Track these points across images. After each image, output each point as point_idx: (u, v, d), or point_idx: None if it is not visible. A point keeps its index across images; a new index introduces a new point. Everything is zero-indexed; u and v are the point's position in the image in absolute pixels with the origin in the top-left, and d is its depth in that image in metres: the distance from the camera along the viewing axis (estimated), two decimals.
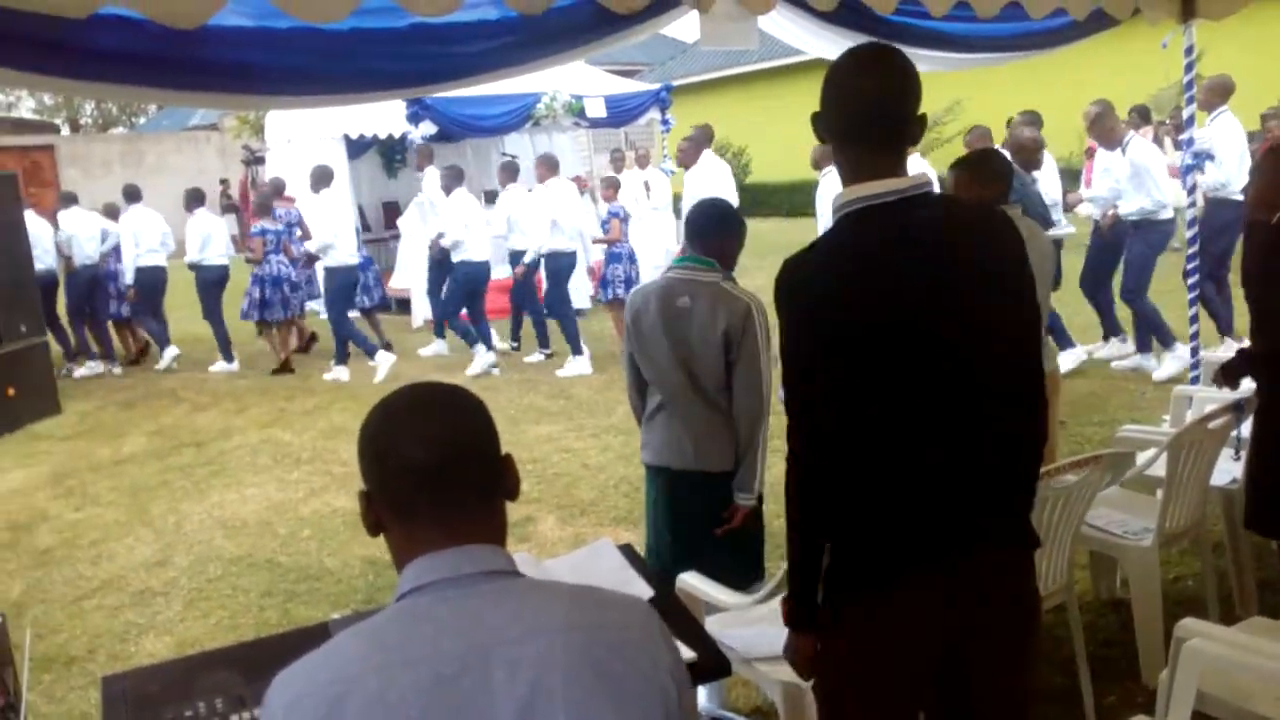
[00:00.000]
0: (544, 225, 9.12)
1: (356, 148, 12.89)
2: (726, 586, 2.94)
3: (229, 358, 10.02)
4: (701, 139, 9.80)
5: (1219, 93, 7.91)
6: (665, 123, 13.32)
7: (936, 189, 1.90)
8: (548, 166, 9.65)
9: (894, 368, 1.76)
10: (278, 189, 10.51)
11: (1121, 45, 9.93)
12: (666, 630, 1.28)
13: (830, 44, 4.43)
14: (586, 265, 11.83)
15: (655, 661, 1.22)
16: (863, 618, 1.84)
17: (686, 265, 3.17)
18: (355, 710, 1.11)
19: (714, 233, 3.18)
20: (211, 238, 9.90)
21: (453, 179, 9.21)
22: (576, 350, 8.96)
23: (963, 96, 19.20)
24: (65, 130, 34.53)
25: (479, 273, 9.15)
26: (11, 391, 8.16)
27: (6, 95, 36.31)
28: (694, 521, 3.18)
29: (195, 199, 10.16)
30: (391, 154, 14.54)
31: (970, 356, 1.78)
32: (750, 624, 2.83)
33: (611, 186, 9.99)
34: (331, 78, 3.26)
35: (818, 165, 8.16)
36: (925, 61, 4.98)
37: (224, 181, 14.22)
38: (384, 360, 9.16)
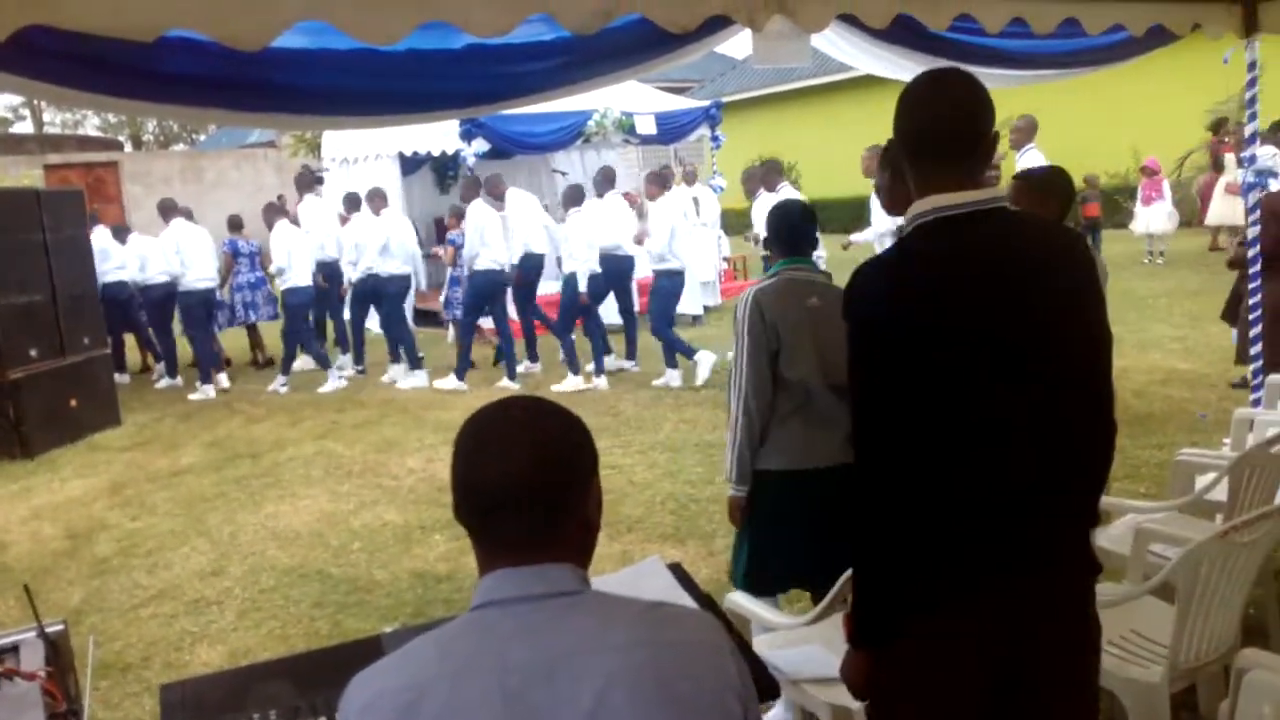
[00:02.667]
0: (586, 245, 9.12)
1: (410, 165, 13.11)
2: None
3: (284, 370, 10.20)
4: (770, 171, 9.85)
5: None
6: (715, 139, 13.35)
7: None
8: (607, 180, 9.72)
9: (955, 381, 1.74)
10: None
11: (1180, 58, 9.77)
12: (735, 649, 1.27)
13: (882, 61, 4.42)
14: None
15: (722, 680, 1.22)
16: (920, 637, 1.81)
17: (796, 266, 3.25)
18: (428, 715, 1.13)
19: (806, 235, 3.32)
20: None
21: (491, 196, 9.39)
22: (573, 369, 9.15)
23: (1013, 112, 18.96)
24: (128, 147, 35.45)
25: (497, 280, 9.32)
26: (74, 403, 8.37)
27: (73, 113, 37.38)
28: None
29: (234, 225, 10.58)
30: (444, 170, 14.74)
31: (1034, 372, 1.76)
32: (798, 645, 2.81)
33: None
34: (389, 98, 3.32)
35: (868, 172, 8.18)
36: (979, 78, 4.94)
37: (280, 198, 14.47)
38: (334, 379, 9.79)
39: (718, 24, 3.46)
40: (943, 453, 1.76)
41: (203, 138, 40.22)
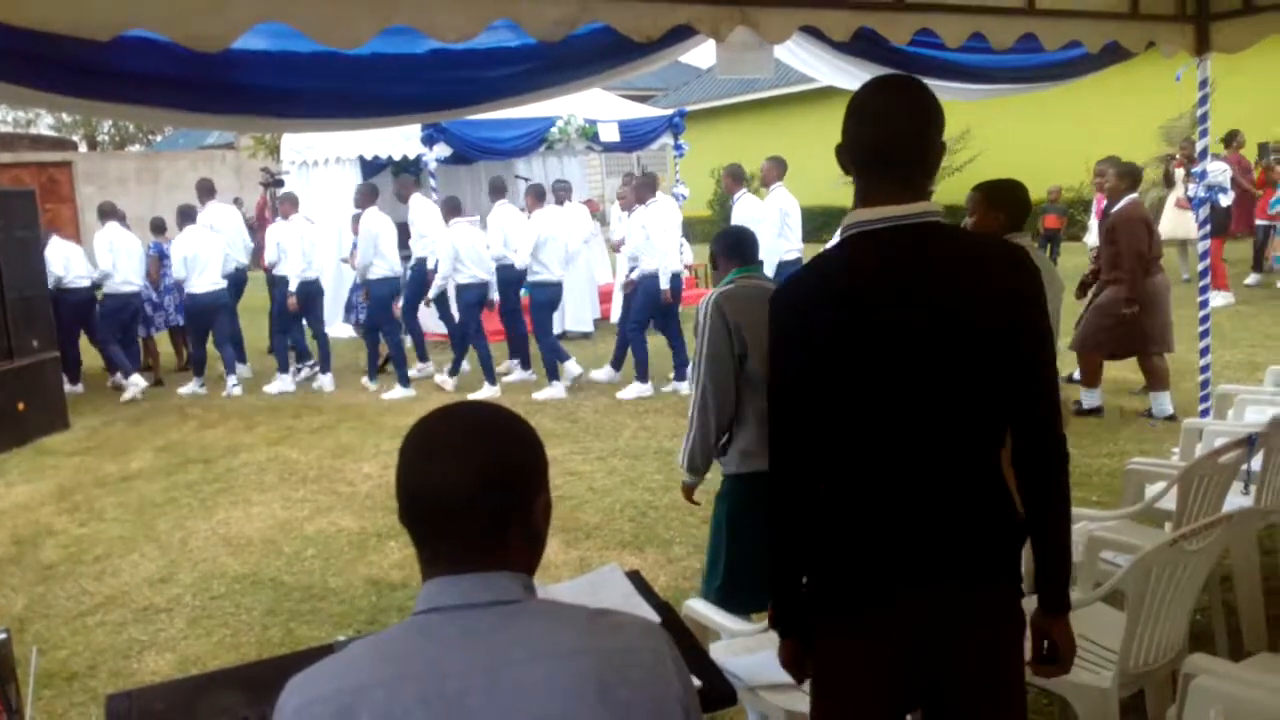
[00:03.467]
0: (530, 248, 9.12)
1: (371, 169, 12.99)
2: None
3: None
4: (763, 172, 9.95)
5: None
6: (678, 148, 13.40)
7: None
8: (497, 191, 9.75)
9: (863, 391, 1.77)
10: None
11: (1135, 75, 9.97)
12: (679, 658, 1.27)
13: (844, 73, 4.46)
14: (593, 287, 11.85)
15: (664, 688, 1.22)
16: (839, 637, 1.86)
17: (749, 275, 3.35)
18: (363, 719, 1.12)
19: (755, 246, 3.45)
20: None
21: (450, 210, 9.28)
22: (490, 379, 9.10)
23: (972, 125, 19.25)
24: (83, 147, 34.83)
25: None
26: (22, 406, 8.19)
27: (25, 112, 36.66)
28: None
29: (156, 228, 10.44)
30: (406, 175, 14.63)
31: (945, 387, 1.76)
32: (755, 651, 2.82)
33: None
34: (351, 101, 3.29)
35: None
36: (939, 91, 5.00)
37: (237, 201, 14.31)
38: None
39: (682, 34, 3.48)
40: (841, 459, 1.81)
41: (159, 139, 39.65)
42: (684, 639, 2.28)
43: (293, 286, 9.53)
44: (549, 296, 9.05)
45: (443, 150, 11.23)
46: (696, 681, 1.97)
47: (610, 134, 12.68)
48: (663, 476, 6.31)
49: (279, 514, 6.11)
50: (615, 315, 11.92)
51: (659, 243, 8.76)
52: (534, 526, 1.29)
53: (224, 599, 4.87)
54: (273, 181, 12.61)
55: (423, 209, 10.05)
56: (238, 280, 10.48)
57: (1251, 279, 12.17)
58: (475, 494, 1.22)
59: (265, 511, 6.17)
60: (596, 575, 2.56)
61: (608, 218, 13.13)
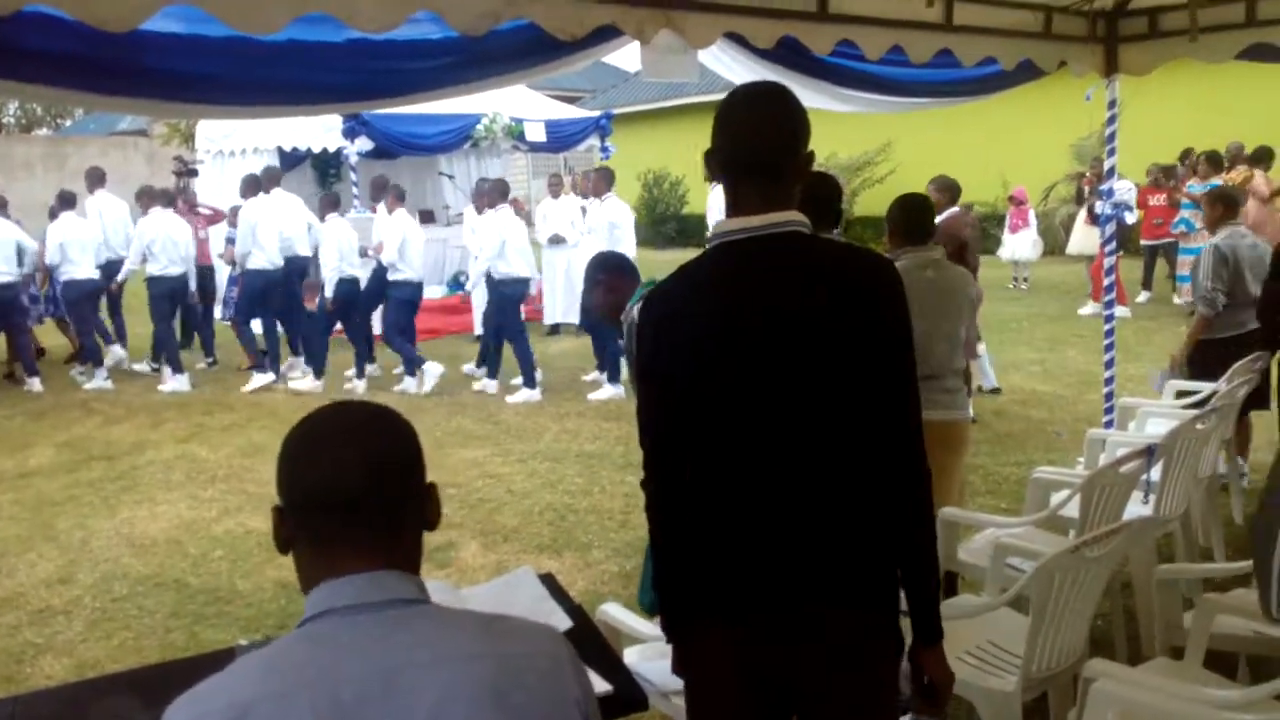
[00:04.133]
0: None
1: (290, 160, 12.72)
2: None
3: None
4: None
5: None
6: (605, 150, 13.40)
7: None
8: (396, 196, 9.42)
9: (721, 403, 1.75)
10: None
11: (1047, 94, 10.28)
12: (578, 661, 1.27)
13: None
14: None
15: (560, 692, 1.21)
16: (698, 641, 1.86)
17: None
18: None
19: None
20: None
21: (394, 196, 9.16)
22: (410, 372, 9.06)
23: (893, 138, 19.63)
24: None
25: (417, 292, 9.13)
26: None
27: None
28: None
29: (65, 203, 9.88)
30: (326, 168, 14.36)
31: (803, 399, 1.73)
32: (668, 656, 2.82)
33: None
34: (265, 89, 3.20)
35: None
36: (858, 103, 5.10)
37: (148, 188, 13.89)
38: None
39: (606, 34, 3.47)
40: (712, 473, 1.80)
41: (68, 123, 38.28)
42: (597, 643, 2.26)
43: (329, 290, 8.95)
44: (409, 295, 8.95)
45: (364, 144, 11.06)
46: (607, 685, 1.96)
47: (537, 133, 12.63)
48: (583, 480, 6.29)
49: (185, 514, 5.93)
50: (548, 316, 11.87)
51: (516, 247, 8.72)
52: (423, 522, 1.29)
53: (126, 601, 4.70)
54: (185, 171, 12.26)
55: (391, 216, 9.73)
56: (109, 272, 9.91)
57: (1142, 297, 12.57)
58: (369, 487, 1.21)
59: (171, 511, 5.98)
60: (510, 578, 2.53)
61: (533, 218, 13.06)
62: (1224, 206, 5.44)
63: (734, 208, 1.81)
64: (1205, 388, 5.09)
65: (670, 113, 25.64)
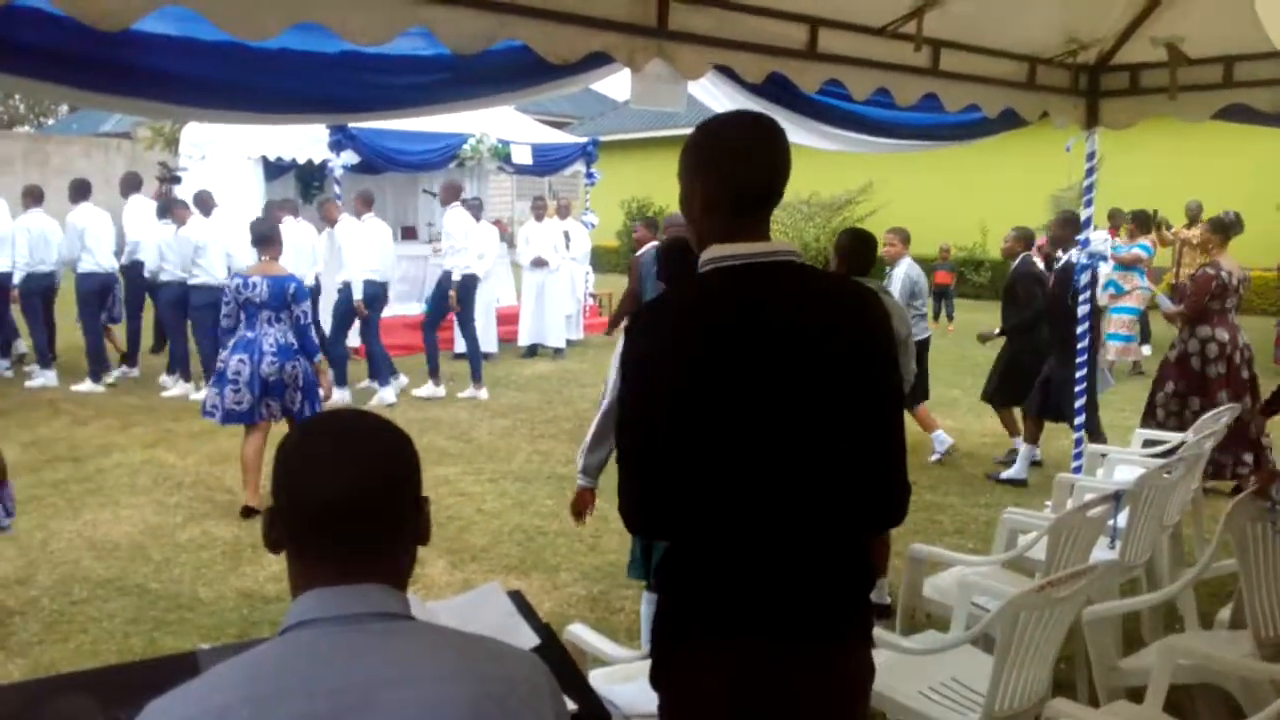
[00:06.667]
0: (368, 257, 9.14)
1: (274, 170, 12.67)
2: None
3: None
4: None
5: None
6: (590, 176, 13.46)
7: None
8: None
9: (719, 428, 1.74)
10: None
11: (1029, 144, 10.44)
12: (556, 689, 1.26)
13: None
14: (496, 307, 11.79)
15: (540, 719, 1.20)
16: (679, 673, 1.83)
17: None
18: None
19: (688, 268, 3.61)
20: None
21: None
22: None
23: (875, 178, 19.84)
24: None
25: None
26: None
27: None
28: None
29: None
30: (309, 180, 14.32)
31: (799, 423, 1.74)
32: (634, 679, 2.81)
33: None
34: (253, 95, 3.20)
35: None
36: (842, 141, 5.16)
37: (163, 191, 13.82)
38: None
39: (598, 60, 3.50)
40: (705, 498, 1.76)
41: (51, 121, 38.03)
42: (564, 663, 2.25)
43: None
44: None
45: (350, 157, 11.05)
46: (573, 705, 1.95)
47: (523, 156, 12.68)
48: (554, 502, 6.27)
49: (150, 519, 5.86)
50: (524, 338, 11.87)
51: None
52: (412, 538, 1.28)
53: (85, 604, 4.63)
54: (169, 177, 12.18)
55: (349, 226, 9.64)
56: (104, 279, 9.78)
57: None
58: (359, 500, 1.20)
59: (136, 515, 5.91)
60: (477, 594, 2.52)
61: (515, 239, 13.09)
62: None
63: (733, 234, 1.81)
64: (1173, 438, 5.16)
65: (655, 143, 25.82)
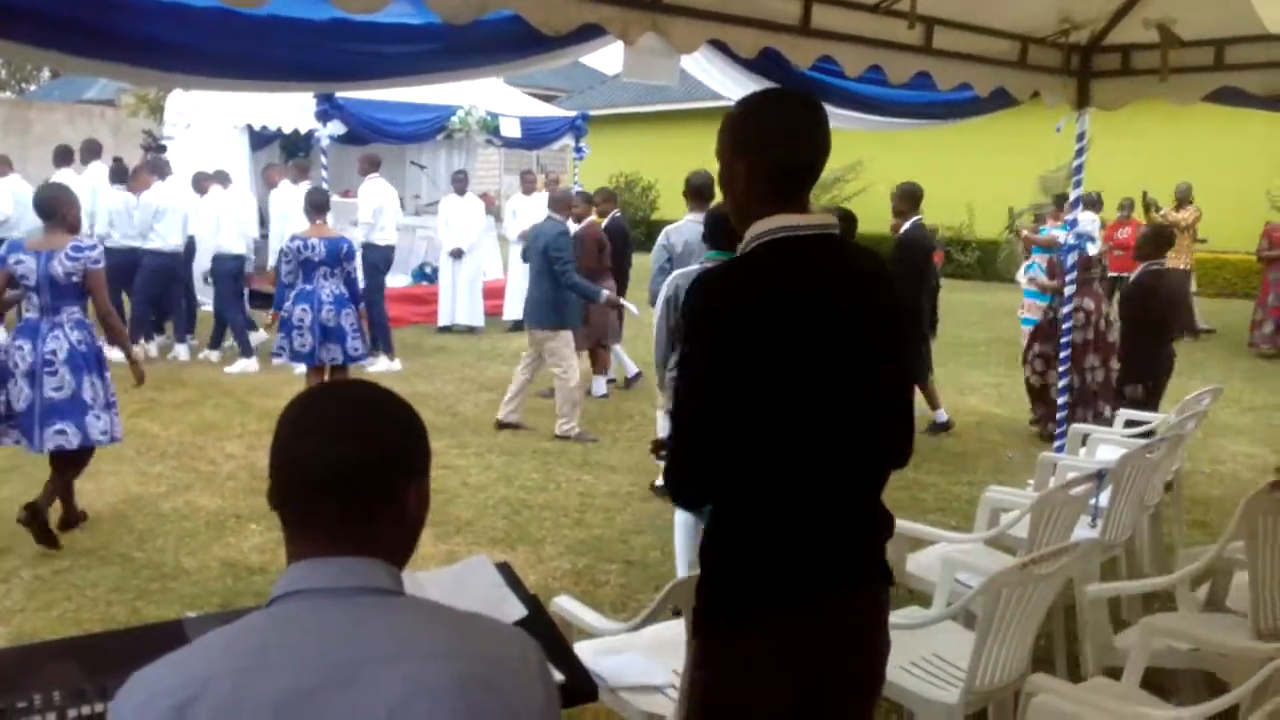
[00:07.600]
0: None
1: (259, 139, 12.56)
2: None
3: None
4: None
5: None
6: (579, 150, 13.38)
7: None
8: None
9: (793, 395, 1.80)
10: None
11: (1017, 125, 10.43)
12: (546, 668, 1.25)
13: (748, 90, 4.53)
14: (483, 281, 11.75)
15: (529, 698, 1.19)
16: (732, 648, 1.87)
17: (720, 259, 3.60)
18: (205, 713, 1.06)
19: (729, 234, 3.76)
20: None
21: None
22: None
23: (864, 156, 19.80)
24: None
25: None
26: None
27: None
28: None
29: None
30: (295, 150, 14.19)
31: (856, 387, 1.86)
32: (620, 652, 2.83)
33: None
34: (244, 61, 3.16)
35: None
36: (834, 118, 5.10)
37: (117, 160, 13.67)
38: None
39: (591, 32, 3.47)
40: (776, 463, 1.82)
41: (34, 88, 37.52)
42: (550, 634, 2.26)
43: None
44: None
45: (337, 128, 10.94)
46: (560, 677, 1.96)
47: (511, 129, 12.58)
48: (539, 476, 6.28)
49: (133, 488, 5.84)
50: (508, 312, 11.82)
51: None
52: (407, 513, 1.26)
53: (68, 573, 4.62)
54: (154, 146, 12.06)
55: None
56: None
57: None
58: (356, 468, 1.19)
59: (118, 484, 5.89)
60: (464, 565, 2.52)
61: (501, 213, 13.03)
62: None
63: (783, 205, 1.86)
64: (1155, 418, 5.19)
65: (645, 118, 25.71)
